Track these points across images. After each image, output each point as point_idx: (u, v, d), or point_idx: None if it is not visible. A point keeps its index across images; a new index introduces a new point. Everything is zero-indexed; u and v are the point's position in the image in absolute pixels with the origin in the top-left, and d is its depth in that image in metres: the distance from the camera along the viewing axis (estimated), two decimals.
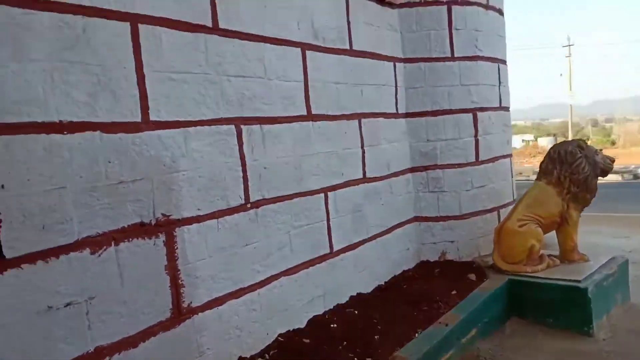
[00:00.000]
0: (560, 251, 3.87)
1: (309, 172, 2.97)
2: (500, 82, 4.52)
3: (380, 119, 3.74)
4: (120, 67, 1.97)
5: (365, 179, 3.52)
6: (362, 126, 3.52)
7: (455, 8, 4.09)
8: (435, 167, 4.16)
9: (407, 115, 4.11)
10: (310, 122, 3.02)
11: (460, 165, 4.18)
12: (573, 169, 3.70)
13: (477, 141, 4.24)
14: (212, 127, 2.36)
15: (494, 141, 4.40)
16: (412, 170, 4.15)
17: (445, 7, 4.07)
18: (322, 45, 3.13)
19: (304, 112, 2.97)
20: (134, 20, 2.02)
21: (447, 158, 4.15)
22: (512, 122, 5.12)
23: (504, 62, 4.66)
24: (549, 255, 3.80)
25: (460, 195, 4.19)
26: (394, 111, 3.94)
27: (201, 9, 2.32)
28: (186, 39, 2.24)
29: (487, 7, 4.31)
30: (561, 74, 34.76)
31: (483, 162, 4.29)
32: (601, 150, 3.95)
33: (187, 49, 2.24)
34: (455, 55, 4.12)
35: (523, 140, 42.77)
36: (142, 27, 2.05)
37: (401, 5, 4.03)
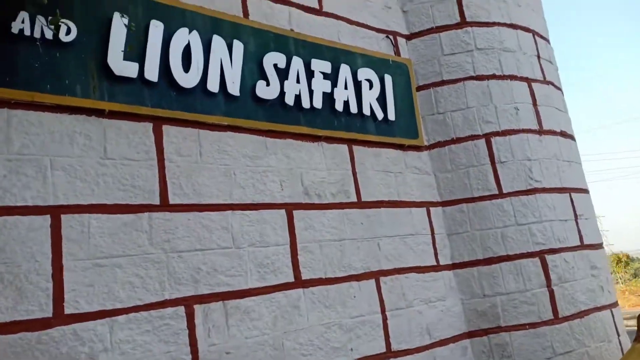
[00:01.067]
0: None
1: (296, 352, 2.53)
2: (576, 215, 3.75)
3: (412, 275, 3.22)
4: (32, 261, 1.90)
5: (390, 353, 2.92)
6: (382, 286, 3.03)
7: (496, 140, 3.64)
8: (499, 329, 3.37)
9: (454, 266, 3.52)
10: (301, 290, 2.66)
11: (532, 325, 3.34)
12: None
13: (551, 292, 3.41)
14: (152, 312, 2.14)
15: (579, 289, 3.51)
16: (470, 335, 3.41)
17: (482, 140, 3.64)
18: (317, 202, 2.89)
19: (291, 279, 2.63)
20: (56, 212, 2.00)
21: (514, 317, 3.36)
22: None
23: (581, 190, 3.92)
24: None
25: None
26: (433, 263, 3.39)
27: (147, 189, 2.26)
28: (123, 221, 2.16)
29: (540, 132, 3.78)
30: None
31: (566, 318, 3.39)
32: None
33: (123, 231, 2.15)
34: (504, 191, 3.55)
35: None
36: (65, 217, 2.02)
37: (430, 147, 3.70)
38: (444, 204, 3.62)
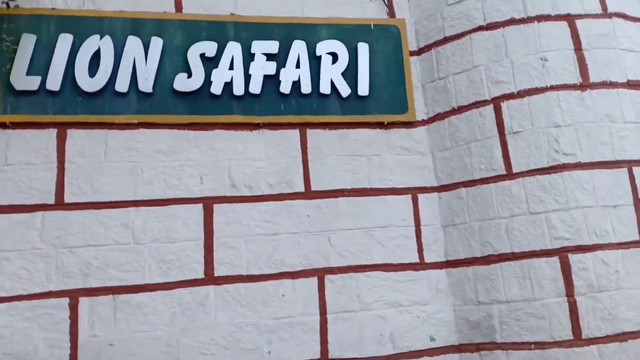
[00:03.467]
0: None
1: (194, 350, 2.46)
2: (638, 200, 2.69)
3: (375, 273, 2.78)
4: None
5: None
6: (327, 285, 2.71)
7: (508, 104, 2.85)
8: (494, 346, 2.67)
9: (449, 264, 2.90)
10: (211, 287, 2.57)
11: (539, 345, 2.56)
12: None
13: (573, 304, 2.55)
14: (35, 301, 2.36)
15: (625, 303, 2.53)
16: (459, 349, 2.79)
17: (490, 107, 2.89)
18: (247, 194, 2.73)
19: (200, 275, 2.57)
20: None
21: (515, 332, 2.63)
22: None
23: None
24: None
25: None
26: (413, 260, 2.86)
27: (44, 190, 2.49)
28: (17, 220, 2.43)
29: (583, 86, 2.81)
30: None
31: (593, 340, 2.49)
32: None
33: (16, 229, 2.41)
34: (514, 170, 2.77)
35: None
36: None
37: (429, 121, 3.10)
38: (441, 189, 3.00)
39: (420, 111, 3.10)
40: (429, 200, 2.97)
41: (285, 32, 2.97)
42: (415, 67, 3.17)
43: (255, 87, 2.84)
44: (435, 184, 3.01)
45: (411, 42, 3.20)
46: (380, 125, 3.01)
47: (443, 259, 2.90)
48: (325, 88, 2.94)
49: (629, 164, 2.72)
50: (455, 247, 2.89)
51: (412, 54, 3.18)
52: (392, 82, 3.07)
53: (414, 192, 2.97)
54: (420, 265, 2.86)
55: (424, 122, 3.09)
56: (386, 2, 3.23)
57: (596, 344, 2.47)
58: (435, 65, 3.12)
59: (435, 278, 2.86)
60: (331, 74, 2.97)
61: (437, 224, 2.95)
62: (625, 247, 2.60)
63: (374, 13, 3.19)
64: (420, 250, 2.89)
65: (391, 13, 3.22)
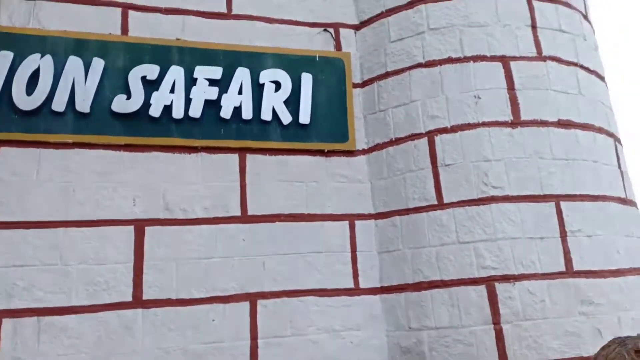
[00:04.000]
0: None
1: None
2: (565, 232, 2.80)
3: (309, 299, 2.80)
4: None
5: None
6: (260, 310, 2.71)
7: (442, 138, 2.95)
8: None
9: (383, 290, 2.95)
10: (140, 310, 2.54)
11: None
12: None
13: (499, 331, 2.61)
14: None
15: (551, 332, 2.61)
16: None
17: (424, 140, 2.99)
18: (181, 217, 2.73)
19: (127, 299, 2.54)
20: None
21: (443, 358, 2.67)
22: None
23: (587, 197, 2.92)
24: None
25: None
26: (349, 286, 2.89)
27: None
28: None
29: (514, 124, 2.94)
30: None
31: None
32: None
33: None
34: (445, 201, 2.86)
35: None
36: None
37: (369, 150, 3.18)
38: (378, 216, 3.06)
39: (360, 141, 3.18)
40: (365, 227, 3.03)
41: (230, 59, 3.03)
42: (358, 99, 3.26)
43: (195, 111, 2.88)
44: (372, 211, 3.07)
45: (356, 74, 3.31)
46: (321, 152, 3.08)
47: (378, 285, 2.95)
48: (266, 115, 3.00)
49: (557, 198, 2.83)
50: (389, 273, 2.94)
51: (356, 86, 3.28)
52: (334, 112, 3.15)
53: (352, 218, 3.02)
54: (355, 291, 2.89)
55: (364, 152, 3.18)
56: (334, 36, 3.34)
57: None
58: (377, 98, 3.22)
59: (369, 304, 2.89)
60: (273, 102, 3.03)
61: (373, 250, 3.00)
62: (551, 278, 2.69)
63: (321, 45, 3.29)
64: (355, 276, 2.92)
65: (338, 46, 3.33)
